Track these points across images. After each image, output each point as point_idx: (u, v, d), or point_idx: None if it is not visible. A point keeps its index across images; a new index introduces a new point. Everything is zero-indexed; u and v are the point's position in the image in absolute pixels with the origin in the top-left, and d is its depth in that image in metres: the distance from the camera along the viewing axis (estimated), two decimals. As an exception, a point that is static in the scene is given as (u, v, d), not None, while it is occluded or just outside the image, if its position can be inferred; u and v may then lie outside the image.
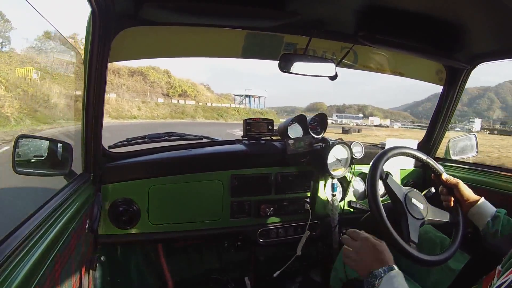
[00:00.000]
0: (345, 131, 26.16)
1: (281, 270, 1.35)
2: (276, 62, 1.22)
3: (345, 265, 1.05)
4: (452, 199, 0.99)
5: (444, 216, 0.98)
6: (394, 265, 0.73)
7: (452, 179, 1.00)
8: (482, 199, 0.96)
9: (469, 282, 0.82)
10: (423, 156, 1.04)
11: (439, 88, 1.55)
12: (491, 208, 0.94)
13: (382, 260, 0.74)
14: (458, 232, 0.97)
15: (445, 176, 1.01)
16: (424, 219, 0.95)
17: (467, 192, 0.98)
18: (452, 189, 0.99)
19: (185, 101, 37.75)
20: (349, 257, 0.80)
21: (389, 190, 0.99)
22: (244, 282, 1.61)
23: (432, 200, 1.01)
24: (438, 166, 1.04)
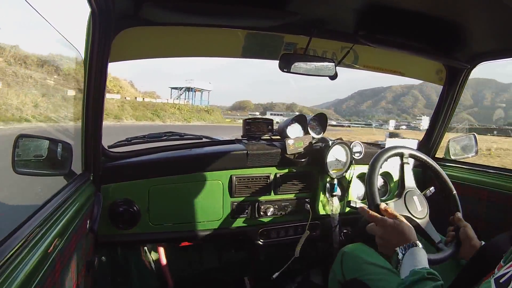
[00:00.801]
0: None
1: (280, 271, 1.35)
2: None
3: (343, 265, 1.06)
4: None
5: (434, 235, 0.95)
6: (417, 241, 0.77)
7: (463, 221, 0.97)
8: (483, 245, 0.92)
9: (470, 281, 0.82)
10: (431, 162, 1.04)
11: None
12: None
13: (404, 238, 0.77)
14: (458, 233, 0.97)
15: (459, 215, 0.98)
16: (424, 218, 0.95)
17: (473, 236, 0.94)
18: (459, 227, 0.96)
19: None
20: (378, 244, 0.82)
21: (401, 176, 0.99)
22: (243, 282, 1.61)
23: (431, 200, 1.01)
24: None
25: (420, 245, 0.76)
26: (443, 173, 1.04)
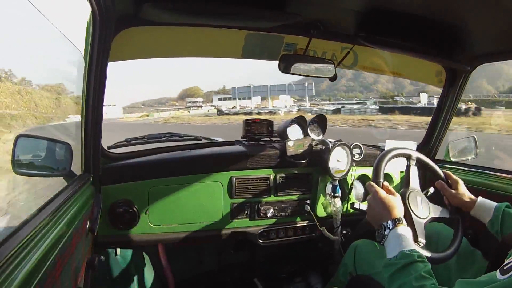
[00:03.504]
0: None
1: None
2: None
3: (356, 259, 1.07)
4: (452, 195, 1.00)
5: (445, 213, 0.99)
6: (403, 218, 0.78)
7: (454, 177, 1.02)
8: (480, 199, 0.97)
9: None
10: (425, 158, 1.05)
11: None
12: (490, 206, 0.95)
13: (392, 213, 0.79)
14: (458, 231, 0.98)
15: (447, 172, 1.04)
16: (427, 218, 0.95)
17: (467, 193, 0.99)
18: (452, 187, 1.01)
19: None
20: (367, 216, 0.86)
21: (407, 175, 1.00)
22: (244, 282, 1.61)
23: (431, 200, 1.01)
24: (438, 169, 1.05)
25: (404, 222, 0.78)
26: (424, 157, 1.05)
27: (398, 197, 0.85)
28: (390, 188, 0.88)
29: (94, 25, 0.91)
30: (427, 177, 1.56)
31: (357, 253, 1.09)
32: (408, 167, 1.01)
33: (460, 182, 1.01)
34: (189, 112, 44.58)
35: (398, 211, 0.81)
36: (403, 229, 0.77)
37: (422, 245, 0.86)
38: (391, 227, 0.77)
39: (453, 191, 1.00)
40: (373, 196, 0.85)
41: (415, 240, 0.90)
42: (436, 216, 0.98)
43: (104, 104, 1.05)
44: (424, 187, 1.04)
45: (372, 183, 0.89)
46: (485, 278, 0.61)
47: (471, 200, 0.97)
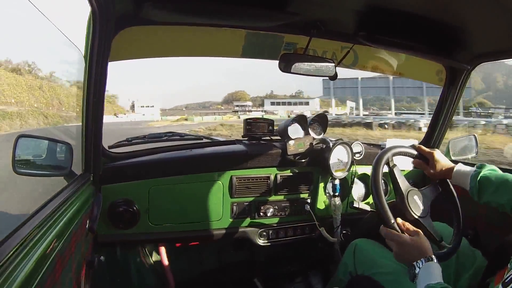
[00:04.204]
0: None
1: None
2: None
3: (355, 258, 1.07)
4: (431, 170, 1.00)
5: (436, 235, 0.95)
6: (433, 256, 0.79)
7: (427, 149, 1.02)
8: (456, 168, 0.96)
9: (486, 274, 0.83)
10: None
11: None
12: (466, 174, 0.94)
13: (421, 253, 0.80)
14: (458, 232, 0.97)
15: (419, 146, 1.03)
16: (424, 217, 0.95)
17: (444, 161, 0.99)
18: (428, 159, 1.01)
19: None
20: (396, 258, 0.85)
21: (394, 180, 0.97)
22: (244, 282, 1.61)
23: (434, 204, 1.01)
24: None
25: (435, 259, 0.79)
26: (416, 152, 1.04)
27: (420, 234, 0.84)
28: (407, 224, 0.86)
29: (94, 24, 0.91)
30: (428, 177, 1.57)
31: (357, 252, 1.09)
32: (392, 171, 0.97)
33: (436, 152, 1.00)
34: (238, 117, 38.76)
35: (425, 249, 0.81)
36: (433, 265, 0.78)
37: (435, 260, 0.82)
38: (421, 265, 0.78)
39: (430, 164, 1.00)
40: (396, 243, 0.83)
41: (436, 242, 0.92)
42: (433, 198, 0.97)
43: (104, 103, 1.05)
44: (423, 185, 1.03)
45: (388, 229, 0.86)
46: None
47: (450, 168, 0.97)
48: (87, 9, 0.88)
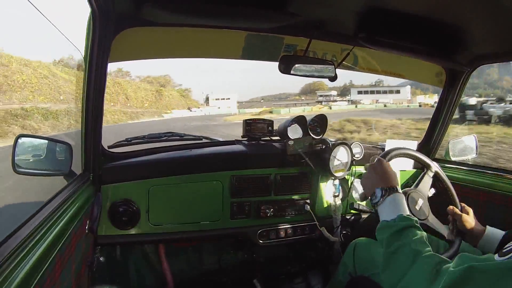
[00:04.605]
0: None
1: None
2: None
3: (355, 257, 1.07)
4: (464, 219, 0.97)
5: (442, 229, 0.96)
6: (398, 187, 0.79)
7: (467, 207, 0.99)
8: (488, 229, 0.93)
9: None
10: (428, 161, 1.04)
11: None
12: (498, 236, 0.92)
13: (387, 181, 0.80)
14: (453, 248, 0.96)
15: (451, 208, 0.99)
16: (425, 219, 0.95)
17: (476, 222, 0.97)
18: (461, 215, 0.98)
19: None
20: (362, 183, 0.86)
21: None
22: (244, 282, 1.61)
23: (431, 201, 1.01)
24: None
25: (400, 190, 0.79)
26: (443, 174, 1.04)
27: (392, 170, 0.85)
28: (389, 164, 0.88)
29: (94, 25, 0.91)
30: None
31: (357, 251, 1.09)
32: (424, 175, 1.02)
33: (471, 211, 0.99)
34: (330, 108, 34.86)
35: (394, 180, 0.81)
36: (400, 196, 0.77)
37: (400, 191, 0.84)
38: (389, 192, 0.77)
39: (464, 215, 0.97)
40: (375, 164, 0.85)
41: (444, 238, 0.93)
42: (432, 226, 0.96)
43: (103, 103, 1.05)
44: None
45: (378, 157, 0.89)
46: (484, 256, 0.61)
47: (481, 229, 0.94)
48: (87, 9, 0.88)
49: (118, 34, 1.03)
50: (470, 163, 1.54)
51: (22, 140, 0.96)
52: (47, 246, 0.61)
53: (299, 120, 1.46)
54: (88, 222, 0.98)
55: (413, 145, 1.54)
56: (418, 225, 0.71)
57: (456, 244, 0.95)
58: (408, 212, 0.74)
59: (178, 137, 1.41)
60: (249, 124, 1.46)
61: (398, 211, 0.74)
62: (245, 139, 1.48)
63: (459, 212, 0.98)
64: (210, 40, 1.25)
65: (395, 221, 0.72)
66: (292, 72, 1.21)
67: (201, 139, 1.45)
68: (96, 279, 1.22)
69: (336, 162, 1.39)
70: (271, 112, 32.05)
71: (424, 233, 0.69)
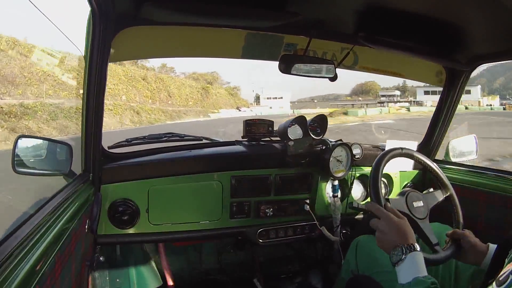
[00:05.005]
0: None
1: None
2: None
3: (357, 255, 1.07)
4: (468, 237, 0.94)
5: (432, 239, 0.93)
6: (416, 244, 0.77)
7: (468, 231, 0.96)
8: (491, 247, 0.91)
9: (488, 274, 0.82)
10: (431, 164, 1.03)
11: None
12: None
13: (405, 239, 0.78)
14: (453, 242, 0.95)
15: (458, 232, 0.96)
16: (426, 217, 0.95)
17: (476, 241, 0.93)
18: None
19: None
20: (377, 239, 0.83)
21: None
22: (244, 282, 1.61)
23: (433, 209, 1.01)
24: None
25: (418, 248, 0.77)
26: (443, 175, 1.04)
27: (406, 220, 0.83)
28: (395, 210, 0.85)
29: (93, 24, 0.91)
30: (428, 177, 1.57)
31: (359, 249, 1.09)
32: (438, 191, 1.00)
33: (471, 232, 0.96)
34: (408, 109, 31.64)
35: (411, 237, 0.79)
36: (419, 256, 0.76)
37: (418, 249, 0.81)
38: (408, 251, 0.75)
39: (467, 231, 0.95)
40: (384, 221, 0.82)
41: (431, 246, 0.90)
42: (433, 205, 0.96)
43: (103, 103, 1.05)
44: (424, 187, 1.03)
45: (379, 207, 0.85)
46: None
47: (484, 247, 0.91)
48: (87, 9, 0.88)
49: (118, 34, 1.03)
50: (470, 163, 1.53)
51: (22, 140, 0.97)
52: (47, 246, 0.61)
53: (299, 120, 1.46)
54: (88, 221, 0.98)
55: (413, 145, 1.54)
56: (434, 286, 0.69)
57: (445, 254, 0.91)
58: (425, 272, 0.73)
59: (178, 138, 1.41)
60: (249, 125, 1.46)
61: (415, 272, 0.73)
62: (245, 139, 1.48)
63: (461, 231, 0.95)
64: (210, 39, 1.25)
65: (410, 285, 0.71)
66: (292, 71, 1.21)
67: (201, 140, 1.46)
68: (96, 278, 1.22)
69: (335, 163, 1.39)
70: (345, 113, 28.52)
71: None
